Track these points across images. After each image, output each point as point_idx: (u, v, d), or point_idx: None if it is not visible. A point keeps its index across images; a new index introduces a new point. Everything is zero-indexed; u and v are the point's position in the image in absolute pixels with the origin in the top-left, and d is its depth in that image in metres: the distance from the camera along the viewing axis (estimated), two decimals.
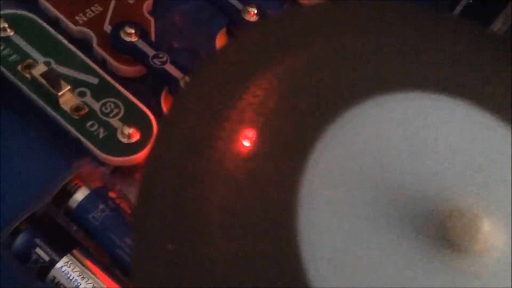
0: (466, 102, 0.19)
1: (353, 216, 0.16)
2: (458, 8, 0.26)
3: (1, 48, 0.21)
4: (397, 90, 0.18)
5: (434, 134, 0.18)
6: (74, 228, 0.18)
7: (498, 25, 0.25)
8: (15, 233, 0.18)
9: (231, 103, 0.18)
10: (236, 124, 0.17)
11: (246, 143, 0.17)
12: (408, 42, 0.20)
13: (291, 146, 0.17)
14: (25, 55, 0.21)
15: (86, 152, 0.20)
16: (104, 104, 0.21)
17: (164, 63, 0.22)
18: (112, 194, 0.19)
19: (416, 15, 0.21)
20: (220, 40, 0.23)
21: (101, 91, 0.21)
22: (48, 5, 0.23)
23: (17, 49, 0.21)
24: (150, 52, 0.22)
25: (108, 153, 0.20)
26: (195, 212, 0.16)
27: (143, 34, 0.23)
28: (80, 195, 0.19)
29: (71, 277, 0.17)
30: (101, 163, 0.20)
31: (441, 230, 0.16)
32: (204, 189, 0.16)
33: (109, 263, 0.18)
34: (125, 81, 0.22)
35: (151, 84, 0.23)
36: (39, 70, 0.20)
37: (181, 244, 0.16)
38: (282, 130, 0.18)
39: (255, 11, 0.23)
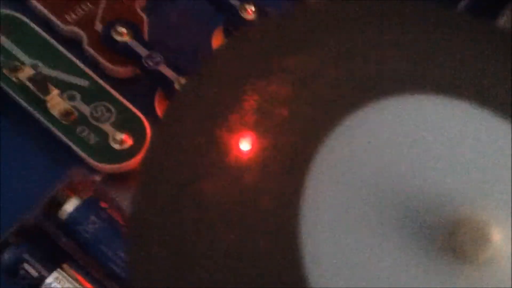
0: (473, 104, 0.18)
1: (357, 222, 0.16)
2: (463, 3, 0.26)
3: None
4: (401, 92, 0.18)
5: (441, 138, 0.17)
6: (64, 240, 0.18)
7: (502, 21, 0.24)
8: (2, 246, 0.17)
9: (229, 107, 0.17)
10: (235, 129, 0.17)
11: (246, 148, 0.17)
12: (410, 40, 0.19)
13: (293, 151, 0.17)
14: (11, 57, 0.20)
15: (78, 159, 0.20)
16: (95, 108, 0.20)
17: (157, 64, 0.21)
18: (104, 204, 0.18)
19: (419, 12, 0.20)
20: (217, 39, 0.23)
21: (92, 94, 0.20)
22: (37, 3, 0.22)
23: (2, 51, 0.20)
24: (143, 52, 0.21)
25: (100, 160, 0.19)
26: (193, 219, 0.15)
27: (136, 33, 0.22)
28: (70, 206, 0.18)
29: None
30: (93, 170, 0.20)
31: (449, 238, 0.15)
32: (202, 195, 0.16)
33: (102, 277, 0.18)
34: (117, 82, 0.22)
35: (144, 86, 0.22)
36: (26, 73, 0.19)
37: (177, 252, 0.15)
38: (284, 134, 0.17)
39: (253, 9, 0.22)
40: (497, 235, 0.15)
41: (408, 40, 0.19)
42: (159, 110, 0.21)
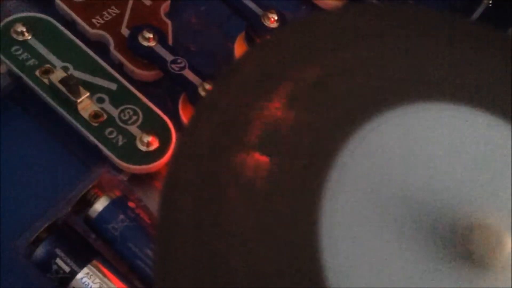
0: (487, 111, 0.18)
1: (374, 228, 0.16)
2: (478, 11, 0.26)
3: (19, 52, 0.21)
4: (410, 101, 0.18)
5: (454, 145, 0.18)
6: (94, 237, 0.18)
7: None
8: (35, 242, 0.18)
9: (252, 114, 0.18)
10: (257, 135, 0.17)
11: (269, 154, 0.17)
12: (423, 48, 0.20)
13: (312, 157, 0.17)
14: (43, 60, 0.21)
15: (105, 159, 0.20)
16: (123, 110, 0.21)
17: (182, 68, 0.22)
18: (131, 204, 0.19)
19: (433, 20, 0.21)
20: (239, 45, 0.23)
21: (120, 97, 0.21)
22: (65, 7, 0.22)
23: (34, 54, 0.21)
24: (168, 57, 0.22)
25: (127, 161, 0.20)
26: (218, 223, 0.16)
27: (161, 38, 0.22)
28: (100, 205, 0.18)
29: None
30: (120, 170, 0.20)
31: (463, 245, 0.16)
32: (226, 199, 0.16)
33: (129, 273, 0.18)
34: (142, 85, 0.22)
35: (168, 89, 0.23)
36: (57, 76, 0.20)
37: (204, 255, 0.15)
38: (303, 142, 0.17)
39: (276, 18, 0.22)
40: (510, 241, 0.15)
41: (415, 49, 0.19)
42: (183, 113, 0.22)
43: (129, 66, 0.22)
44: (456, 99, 0.18)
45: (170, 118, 0.21)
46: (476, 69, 0.20)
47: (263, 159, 0.17)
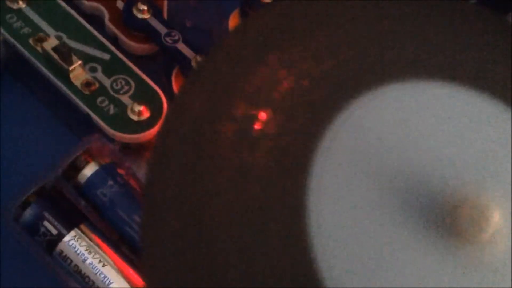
0: (475, 89, 0.18)
1: (361, 206, 0.16)
2: None
3: (13, 20, 0.21)
4: (404, 78, 0.18)
5: (444, 123, 0.18)
6: (83, 203, 0.18)
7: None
8: (24, 205, 0.18)
9: (243, 85, 0.18)
10: (248, 107, 0.17)
11: (258, 126, 0.17)
12: (420, 29, 0.20)
13: (302, 132, 0.17)
14: (36, 28, 0.21)
15: (96, 128, 0.20)
16: (115, 80, 0.21)
17: (176, 41, 0.22)
18: (121, 171, 0.19)
19: (431, 2, 0.21)
20: (233, 21, 0.23)
21: (112, 67, 0.21)
22: None
23: (28, 22, 0.21)
24: (162, 30, 0.22)
25: (117, 129, 0.20)
26: (205, 192, 0.16)
27: (155, 11, 0.22)
28: (89, 170, 0.18)
29: (78, 251, 0.17)
30: (111, 139, 0.20)
31: (450, 220, 0.16)
32: (214, 171, 0.16)
33: (117, 240, 0.18)
34: (136, 58, 0.22)
35: (162, 63, 0.23)
36: (50, 43, 0.20)
37: (191, 224, 0.16)
38: (294, 115, 0.17)
39: None
40: (497, 216, 0.16)
41: (411, 27, 0.19)
42: (176, 86, 0.22)
43: (123, 39, 0.22)
44: (446, 77, 0.18)
45: (163, 92, 0.21)
46: (468, 48, 0.20)
47: (252, 130, 0.17)
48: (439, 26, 0.20)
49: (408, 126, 0.17)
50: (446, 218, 0.16)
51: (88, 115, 0.20)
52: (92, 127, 0.20)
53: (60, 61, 0.20)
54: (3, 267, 0.18)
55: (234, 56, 0.18)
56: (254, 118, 0.17)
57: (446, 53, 0.19)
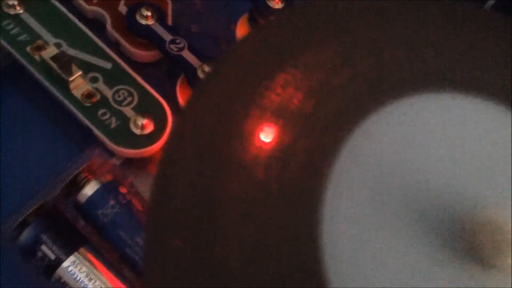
0: (493, 101, 0.17)
1: (377, 223, 0.15)
2: (490, 2, 0.25)
3: (10, 27, 0.20)
4: (420, 91, 0.17)
5: (464, 138, 0.17)
6: (82, 223, 0.18)
7: None
8: (21, 225, 0.17)
9: (252, 98, 0.17)
10: (257, 121, 0.16)
11: (267, 140, 0.16)
12: (440, 37, 0.19)
13: (315, 147, 0.16)
14: (35, 35, 0.20)
15: (98, 141, 0.19)
16: (117, 91, 0.20)
17: (181, 49, 0.21)
18: (123, 190, 0.18)
19: (436, 6, 0.20)
20: (242, 27, 0.22)
21: (114, 77, 0.20)
22: None
23: (26, 29, 0.20)
24: (167, 37, 0.21)
25: (120, 144, 0.19)
26: (212, 211, 0.15)
27: (160, 17, 0.21)
28: (89, 189, 0.18)
29: (77, 278, 0.16)
30: (112, 154, 0.19)
31: (470, 243, 0.15)
32: (222, 188, 0.15)
33: (118, 262, 0.17)
34: (139, 66, 0.21)
35: (166, 71, 0.22)
36: (49, 52, 0.19)
37: (196, 244, 0.15)
38: (306, 130, 0.17)
39: None
40: None
41: (429, 35, 0.19)
42: (181, 96, 0.21)
43: (125, 45, 0.21)
44: (461, 88, 0.18)
45: (168, 102, 0.20)
46: (482, 57, 0.19)
47: (265, 147, 0.16)
48: (459, 35, 0.19)
49: (427, 141, 0.17)
50: (466, 241, 0.15)
51: (89, 128, 0.19)
52: (94, 139, 0.20)
53: (59, 71, 0.19)
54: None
55: (245, 67, 0.17)
56: (265, 133, 0.16)
57: (467, 64, 0.18)
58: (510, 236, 0.15)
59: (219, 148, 0.16)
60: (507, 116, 0.17)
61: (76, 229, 0.17)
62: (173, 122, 0.19)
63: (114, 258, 0.18)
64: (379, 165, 0.16)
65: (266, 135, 0.16)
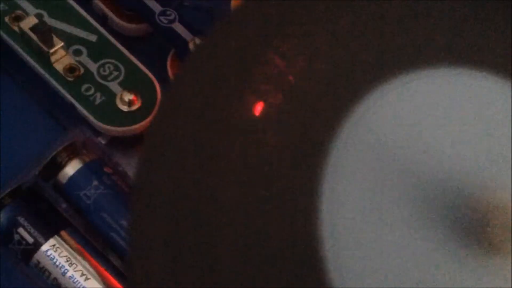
0: (498, 77, 0.16)
1: (380, 210, 0.15)
2: None
3: None
4: (420, 67, 0.16)
5: (464, 114, 0.16)
6: (64, 205, 0.16)
7: None
8: None
9: (246, 72, 0.16)
10: (252, 96, 0.16)
11: (266, 119, 0.15)
12: (425, 10, 0.18)
13: (311, 127, 0.15)
14: (14, 5, 0.19)
15: (83, 119, 0.18)
16: (102, 65, 0.19)
17: (171, 21, 0.20)
18: (107, 169, 0.17)
19: None
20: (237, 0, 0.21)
21: (100, 50, 0.19)
22: None
23: None
24: (157, 8, 0.20)
25: (105, 122, 0.18)
26: (204, 193, 0.14)
27: None
28: (71, 168, 0.17)
29: (57, 263, 0.15)
30: (97, 132, 0.18)
31: (479, 228, 0.15)
32: (213, 165, 0.15)
33: (101, 246, 0.16)
34: (128, 40, 0.20)
35: (156, 46, 0.21)
36: (28, 23, 0.18)
37: (186, 229, 0.14)
38: (307, 105, 0.16)
39: None
40: None
41: (414, 12, 0.18)
42: (172, 72, 0.20)
43: (113, 18, 0.20)
44: (457, 63, 0.17)
45: (158, 78, 0.19)
46: (482, 32, 0.18)
47: (259, 125, 0.15)
48: (442, 8, 0.18)
49: (427, 120, 0.16)
50: (475, 226, 0.15)
51: (72, 104, 0.18)
52: (79, 118, 0.18)
53: (39, 43, 0.18)
54: None
55: (239, 39, 0.16)
56: (257, 111, 0.15)
57: (468, 38, 0.17)
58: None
59: (210, 126, 0.15)
60: (509, 90, 0.16)
61: (57, 211, 0.16)
62: (162, 97, 0.18)
63: (98, 243, 0.16)
64: (378, 147, 0.15)
65: (259, 112, 0.15)
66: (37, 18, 0.18)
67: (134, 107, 0.18)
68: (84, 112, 0.18)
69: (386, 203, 0.15)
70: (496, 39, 0.17)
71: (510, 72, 0.17)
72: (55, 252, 0.15)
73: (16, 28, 0.18)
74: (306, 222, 0.14)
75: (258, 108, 0.15)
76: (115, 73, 0.19)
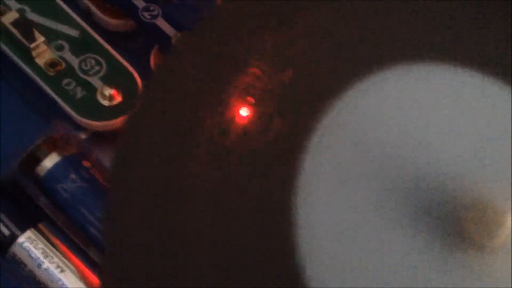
0: (486, 73, 0.16)
1: (357, 206, 0.15)
2: None
3: None
4: (404, 60, 0.16)
5: (454, 111, 0.16)
6: (42, 199, 0.17)
7: None
8: None
9: (229, 68, 0.16)
10: (232, 94, 0.16)
11: (243, 114, 0.15)
12: (410, 7, 0.18)
13: (290, 124, 0.15)
14: None
15: (63, 113, 0.18)
16: (84, 60, 0.19)
17: (155, 17, 0.20)
18: (86, 163, 0.17)
19: None
20: None
21: (82, 45, 0.19)
22: None
23: None
24: (140, 3, 0.20)
25: (85, 116, 0.18)
26: (180, 185, 0.14)
27: None
28: (49, 161, 0.17)
29: (32, 255, 0.15)
30: (78, 126, 0.18)
31: (458, 224, 0.14)
32: (188, 160, 0.15)
33: (79, 240, 0.16)
34: (112, 36, 0.20)
35: (139, 42, 0.21)
36: (10, 17, 0.18)
37: (162, 222, 0.14)
38: (283, 103, 0.16)
39: None
40: (510, 220, 0.14)
41: (408, 6, 0.17)
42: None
43: (97, 13, 0.20)
44: (447, 58, 0.17)
45: (141, 74, 0.19)
46: (473, 28, 0.18)
47: (238, 120, 0.15)
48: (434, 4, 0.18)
49: (414, 115, 0.16)
50: (452, 221, 0.15)
51: (54, 99, 0.18)
52: (59, 112, 0.18)
53: (20, 37, 0.18)
54: None
55: (219, 36, 0.16)
56: (240, 106, 0.16)
57: (444, 32, 0.17)
58: (500, 216, 0.14)
59: (189, 120, 0.15)
60: (502, 88, 0.16)
61: (35, 205, 0.16)
62: (141, 91, 0.18)
63: (76, 236, 0.17)
64: (356, 144, 0.15)
65: (243, 108, 0.15)
66: (18, 13, 0.18)
67: (115, 102, 0.18)
68: (65, 106, 0.18)
69: (364, 199, 0.15)
70: (489, 38, 0.17)
71: (493, 68, 0.17)
72: (31, 244, 0.15)
73: None
74: (282, 219, 0.14)
75: (236, 104, 0.16)
76: (97, 67, 0.19)
